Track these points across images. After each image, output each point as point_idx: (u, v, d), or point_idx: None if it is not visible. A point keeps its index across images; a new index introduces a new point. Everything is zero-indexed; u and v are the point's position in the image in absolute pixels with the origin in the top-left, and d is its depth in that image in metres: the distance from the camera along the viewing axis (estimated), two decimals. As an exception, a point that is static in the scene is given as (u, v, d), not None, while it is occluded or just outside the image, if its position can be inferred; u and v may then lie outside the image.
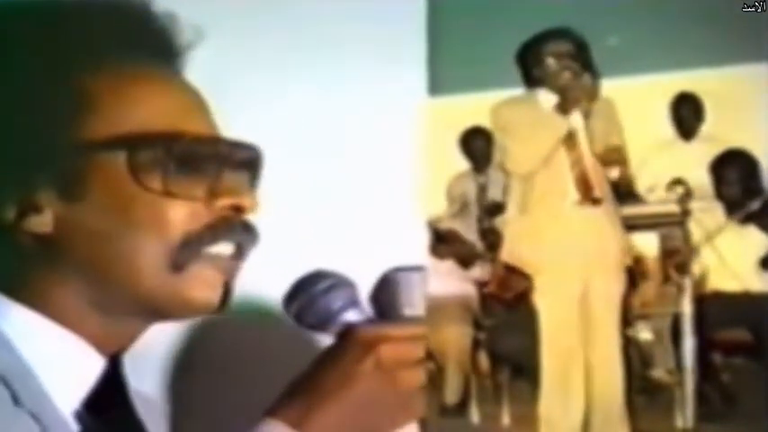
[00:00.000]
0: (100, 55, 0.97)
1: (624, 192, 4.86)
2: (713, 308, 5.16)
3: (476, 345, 5.72)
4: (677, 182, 5.56)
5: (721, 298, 5.22)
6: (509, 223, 4.82)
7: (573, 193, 4.56)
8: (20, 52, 0.95)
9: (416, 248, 2.36)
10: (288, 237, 1.98)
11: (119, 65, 0.97)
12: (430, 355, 5.45)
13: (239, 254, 0.98)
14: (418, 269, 0.98)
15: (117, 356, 1.01)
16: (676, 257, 5.30)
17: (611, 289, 4.61)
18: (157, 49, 1.00)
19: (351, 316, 0.94)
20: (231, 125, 1.02)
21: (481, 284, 5.75)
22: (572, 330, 4.56)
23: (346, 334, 0.92)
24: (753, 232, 5.29)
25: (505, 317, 4.98)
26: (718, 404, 5.24)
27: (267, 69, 2.08)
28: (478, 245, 5.90)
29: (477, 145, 6.62)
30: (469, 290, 5.90)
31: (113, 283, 0.95)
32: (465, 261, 6.05)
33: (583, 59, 4.64)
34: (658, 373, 5.45)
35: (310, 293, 0.95)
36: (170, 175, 0.93)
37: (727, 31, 6.88)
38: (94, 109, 0.95)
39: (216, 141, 0.99)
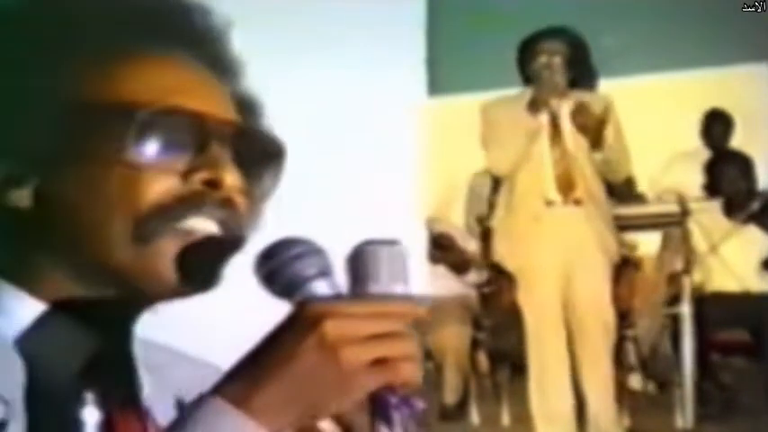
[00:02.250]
0: (104, 41, 0.97)
1: (611, 179, 4.79)
2: (713, 308, 5.16)
3: (475, 345, 5.71)
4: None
5: (721, 298, 5.22)
6: (496, 224, 4.85)
7: (553, 194, 4.58)
8: (23, 26, 0.96)
9: (415, 247, 2.37)
10: (286, 235, 1.98)
11: (124, 48, 0.98)
12: (429, 355, 5.46)
13: (223, 232, 0.96)
14: (390, 243, 0.92)
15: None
16: (676, 257, 5.30)
17: (594, 287, 4.62)
18: (171, 35, 1.01)
19: (319, 286, 0.91)
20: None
21: (480, 285, 5.74)
22: (554, 328, 4.61)
23: (296, 309, 0.89)
24: (753, 233, 5.29)
25: (505, 317, 4.98)
26: (717, 404, 5.24)
27: (266, 69, 2.08)
28: (472, 246, 5.87)
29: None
30: (469, 290, 5.88)
31: (85, 257, 0.95)
32: (459, 267, 6.02)
33: (578, 58, 4.63)
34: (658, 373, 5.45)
35: (285, 257, 0.91)
36: (144, 148, 0.93)
37: (727, 31, 6.89)
38: (87, 80, 0.96)
39: (200, 116, 0.97)
